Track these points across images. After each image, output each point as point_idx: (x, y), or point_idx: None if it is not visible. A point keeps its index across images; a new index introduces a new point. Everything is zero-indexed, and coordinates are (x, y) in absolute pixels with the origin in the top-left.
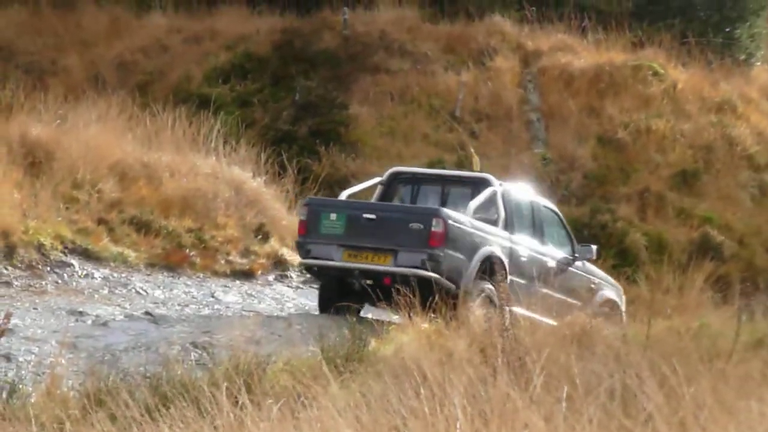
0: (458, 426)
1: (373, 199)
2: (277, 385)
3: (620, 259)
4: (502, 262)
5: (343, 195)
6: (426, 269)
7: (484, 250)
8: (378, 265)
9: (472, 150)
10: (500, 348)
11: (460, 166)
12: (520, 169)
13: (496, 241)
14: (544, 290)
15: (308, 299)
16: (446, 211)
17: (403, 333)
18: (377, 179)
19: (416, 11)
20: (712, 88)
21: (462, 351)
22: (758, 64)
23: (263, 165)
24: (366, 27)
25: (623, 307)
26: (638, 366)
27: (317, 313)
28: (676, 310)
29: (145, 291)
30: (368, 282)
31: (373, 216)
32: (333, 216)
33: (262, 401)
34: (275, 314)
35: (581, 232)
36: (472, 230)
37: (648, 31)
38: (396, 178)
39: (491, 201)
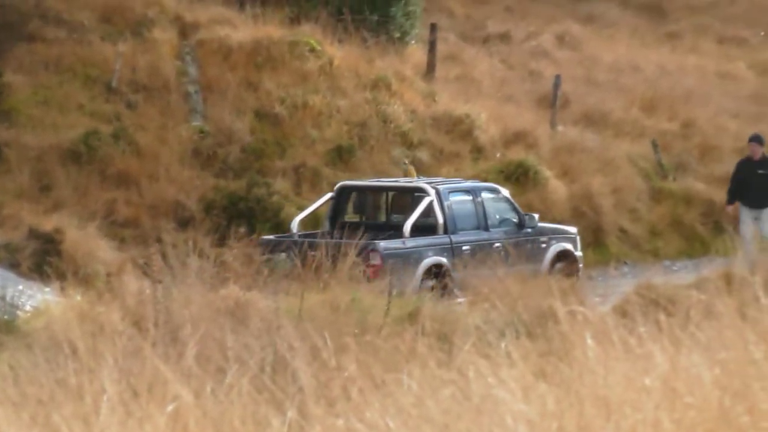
0: (106, 398)
1: (326, 213)
2: None
3: (276, 233)
4: (442, 265)
5: (295, 221)
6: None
7: (425, 262)
8: None
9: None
10: (153, 321)
11: (115, 138)
12: (177, 142)
13: (436, 248)
14: (490, 271)
15: None
16: (382, 244)
17: (54, 306)
18: (329, 195)
19: None
20: (367, 66)
21: (115, 323)
22: (413, 42)
23: None
24: None
25: (578, 251)
26: (290, 338)
27: None
28: (329, 284)
29: None
30: None
31: (314, 254)
32: (282, 255)
33: None
34: None
35: (237, 206)
36: (409, 249)
37: (304, 6)
38: (344, 191)
39: (428, 210)
